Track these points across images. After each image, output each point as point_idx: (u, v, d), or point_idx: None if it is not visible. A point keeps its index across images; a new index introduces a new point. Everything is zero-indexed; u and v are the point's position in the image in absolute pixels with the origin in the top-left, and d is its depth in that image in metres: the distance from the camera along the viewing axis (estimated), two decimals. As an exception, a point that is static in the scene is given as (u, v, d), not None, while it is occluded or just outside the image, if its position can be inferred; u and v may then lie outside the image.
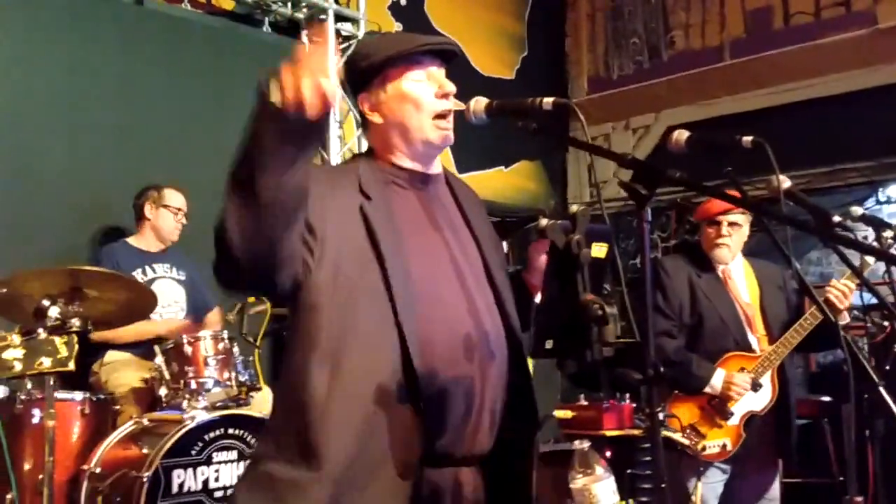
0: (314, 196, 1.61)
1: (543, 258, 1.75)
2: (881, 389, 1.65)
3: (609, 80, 7.17)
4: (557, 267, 1.46)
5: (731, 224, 3.30)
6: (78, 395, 3.33)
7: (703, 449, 3.21)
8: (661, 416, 3.14)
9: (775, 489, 3.33)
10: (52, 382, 2.92)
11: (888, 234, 3.04)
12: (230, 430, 3.15)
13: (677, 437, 3.12)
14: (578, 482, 1.43)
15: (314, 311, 1.64)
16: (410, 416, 1.61)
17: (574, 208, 1.46)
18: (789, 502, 3.84)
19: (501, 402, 1.74)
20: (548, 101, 1.68)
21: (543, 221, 1.45)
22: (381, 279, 1.64)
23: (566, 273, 1.45)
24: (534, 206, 7.13)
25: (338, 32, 5.55)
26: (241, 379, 3.34)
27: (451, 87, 1.81)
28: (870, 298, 4.55)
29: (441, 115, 1.78)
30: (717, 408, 3.23)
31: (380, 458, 1.59)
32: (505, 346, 1.77)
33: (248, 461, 1.96)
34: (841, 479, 4.62)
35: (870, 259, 3.10)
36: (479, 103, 1.77)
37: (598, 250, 1.50)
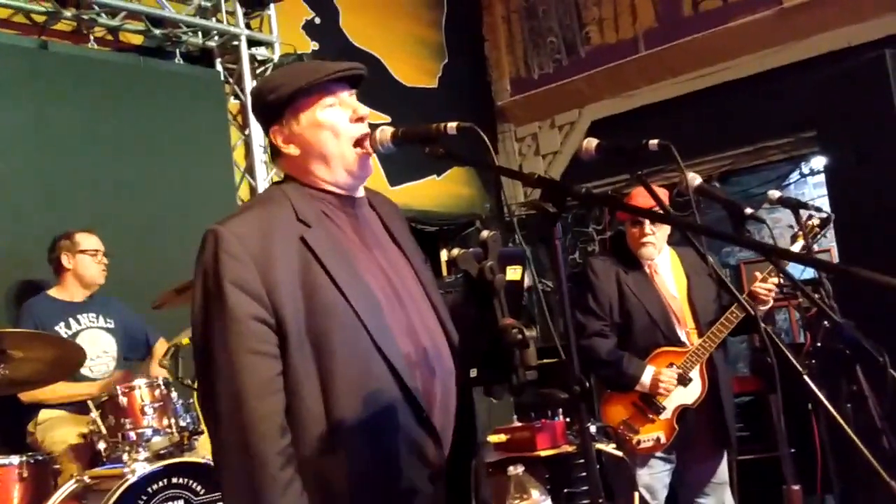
0: (259, 283, 1.60)
1: None
2: (805, 378, 1.68)
3: (531, 80, 7.22)
4: (473, 295, 1.45)
5: (653, 222, 3.32)
6: (15, 459, 3.20)
7: (639, 443, 3.26)
8: (593, 428, 3.16)
9: (722, 472, 3.39)
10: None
11: (814, 221, 3.09)
12: (174, 480, 3.06)
13: (610, 449, 3.12)
14: (516, 508, 1.42)
15: (292, 372, 1.62)
16: (417, 430, 1.63)
17: (484, 235, 1.46)
18: (742, 478, 3.90)
19: (449, 419, 1.72)
20: (451, 125, 1.68)
21: (455, 251, 1.44)
22: (348, 309, 1.62)
23: (482, 300, 1.44)
24: (470, 212, 7.14)
25: (252, 58, 5.48)
26: (182, 424, 3.26)
27: (365, 111, 1.79)
28: (802, 271, 4.67)
29: (359, 141, 1.77)
30: (648, 403, 3.27)
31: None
32: (448, 363, 1.75)
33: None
34: (792, 450, 4.71)
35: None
36: (384, 133, 1.76)
37: (513, 273, 1.50)
